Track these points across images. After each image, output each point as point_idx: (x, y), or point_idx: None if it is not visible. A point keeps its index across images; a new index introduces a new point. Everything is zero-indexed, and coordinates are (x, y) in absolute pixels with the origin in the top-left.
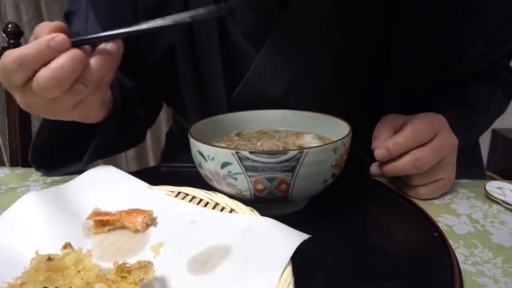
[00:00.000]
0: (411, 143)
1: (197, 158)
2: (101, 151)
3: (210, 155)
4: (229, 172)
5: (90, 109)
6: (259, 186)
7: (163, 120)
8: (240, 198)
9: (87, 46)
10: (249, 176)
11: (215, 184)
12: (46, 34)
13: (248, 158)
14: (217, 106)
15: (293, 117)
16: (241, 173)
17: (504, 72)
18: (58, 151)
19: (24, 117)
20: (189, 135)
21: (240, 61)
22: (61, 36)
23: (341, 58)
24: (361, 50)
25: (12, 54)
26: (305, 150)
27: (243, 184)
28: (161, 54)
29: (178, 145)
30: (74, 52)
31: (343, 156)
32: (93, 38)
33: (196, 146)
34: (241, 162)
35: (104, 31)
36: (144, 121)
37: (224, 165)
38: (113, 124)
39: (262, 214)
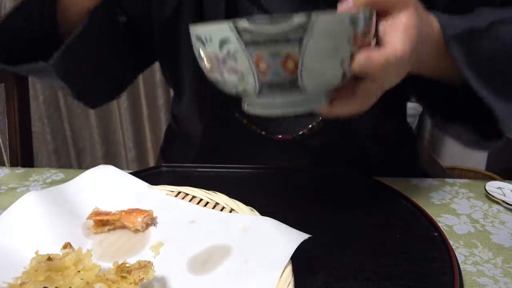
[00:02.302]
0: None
1: (196, 47)
2: (74, 55)
3: (206, 36)
4: (228, 52)
5: None
6: (262, 66)
7: (163, 120)
8: (244, 91)
9: None
10: (250, 53)
11: (216, 75)
12: None
13: (247, 30)
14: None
15: None
16: (241, 50)
17: None
18: (25, 45)
19: (24, 117)
20: (190, 28)
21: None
22: None
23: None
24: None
25: None
26: (314, 16)
27: (244, 64)
28: (169, 10)
29: (176, 140)
30: None
31: (363, 38)
32: None
33: (193, 31)
34: (239, 35)
35: None
36: (129, 57)
37: (221, 43)
38: (94, 26)
39: (268, 114)
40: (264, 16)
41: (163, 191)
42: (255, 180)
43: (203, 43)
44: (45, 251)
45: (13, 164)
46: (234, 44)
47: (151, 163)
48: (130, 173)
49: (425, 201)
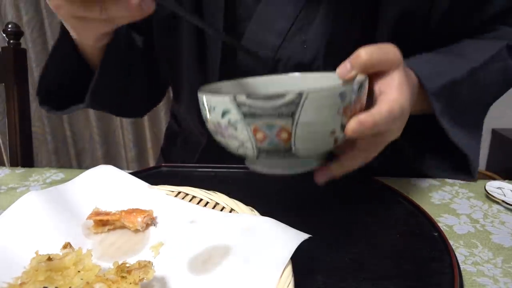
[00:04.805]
0: (383, 127)
1: (203, 112)
2: (102, 91)
3: (212, 105)
4: (229, 121)
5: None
6: (259, 135)
7: (163, 120)
8: (245, 154)
9: None
10: (248, 124)
11: (219, 138)
12: None
13: (245, 104)
14: (211, 70)
15: (302, 78)
16: (240, 121)
17: (508, 28)
18: (62, 90)
19: (24, 117)
20: (198, 93)
21: (243, 21)
22: None
23: (333, 14)
24: (352, 5)
25: None
26: (305, 93)
27: (243, 133)
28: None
29: (176, 139)
30: None
31: (355, 106)
32: None
33: (200, 99)
34: (239, 108)
35: None
36: (149, 82)
37: (224, 114)
38: (112, 60)
39: (267, 172)
40: (262, 94)
41: (163, 191)
42: (255, 180)
43: (208, 110)
44: (45, 251)
45: (13, 164)
46: (235, 115)
47: (151, 163)
48: (130, 173)
49: (425, 201)
